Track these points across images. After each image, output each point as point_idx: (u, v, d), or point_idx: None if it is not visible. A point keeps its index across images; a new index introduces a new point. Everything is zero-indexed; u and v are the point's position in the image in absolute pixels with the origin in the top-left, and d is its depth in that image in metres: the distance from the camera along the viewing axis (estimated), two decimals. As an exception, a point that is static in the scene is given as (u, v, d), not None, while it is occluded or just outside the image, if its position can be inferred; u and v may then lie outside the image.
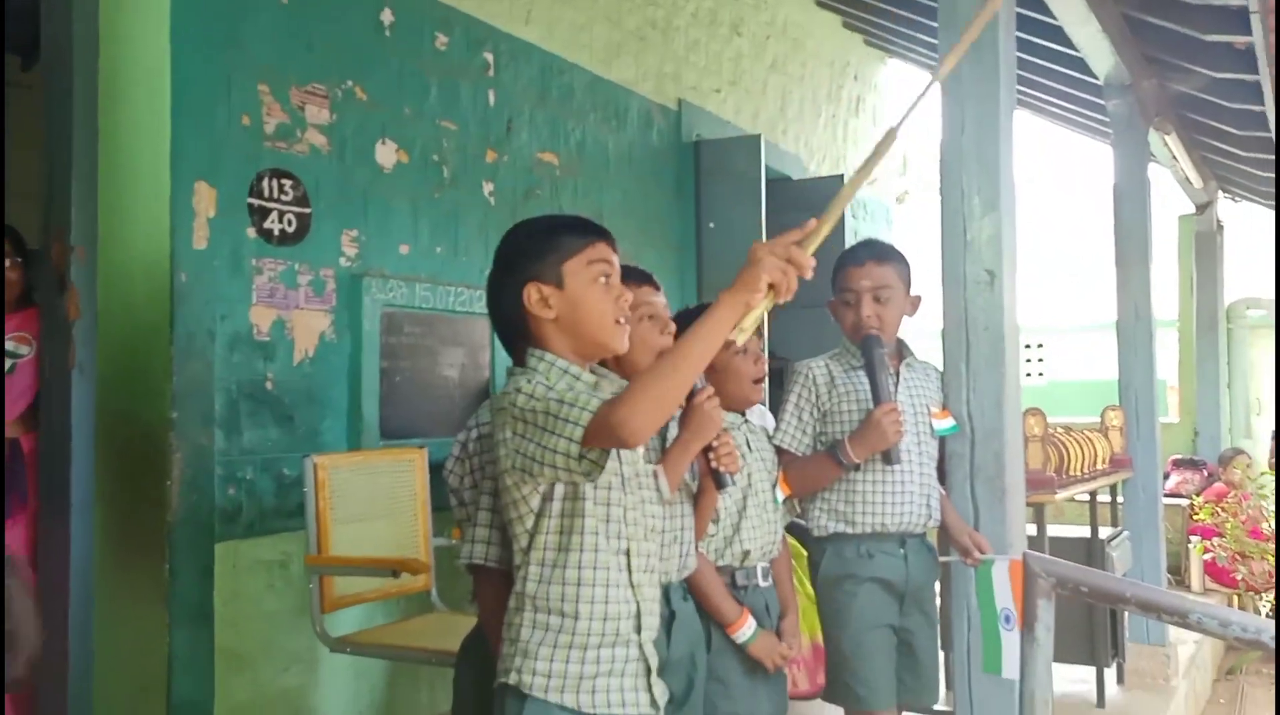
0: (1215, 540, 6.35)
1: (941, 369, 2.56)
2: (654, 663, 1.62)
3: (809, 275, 1.40)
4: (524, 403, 1.48)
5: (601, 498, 1.56)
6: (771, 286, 1.38)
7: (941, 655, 2.61)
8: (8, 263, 3.06)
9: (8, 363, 3.01)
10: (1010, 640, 2.22)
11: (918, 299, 2.46)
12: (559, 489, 1.54)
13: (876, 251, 2.42)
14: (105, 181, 3.07)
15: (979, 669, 2.38)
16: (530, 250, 1.63)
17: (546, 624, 1.53)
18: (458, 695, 1.83)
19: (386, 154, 3.68)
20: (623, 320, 1.64)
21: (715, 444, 1.97)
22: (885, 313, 2.38)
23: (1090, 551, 3.88)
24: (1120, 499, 4.69)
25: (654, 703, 1.59)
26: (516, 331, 1.66)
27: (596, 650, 1.53)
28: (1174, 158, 5.93)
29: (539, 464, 1.46)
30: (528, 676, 1.51)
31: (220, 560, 3.08)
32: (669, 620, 1.97)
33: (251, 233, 3.21)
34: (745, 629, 2.12)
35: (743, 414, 2.29)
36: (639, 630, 1.59)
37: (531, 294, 1.60)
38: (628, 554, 1.58)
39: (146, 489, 2.98)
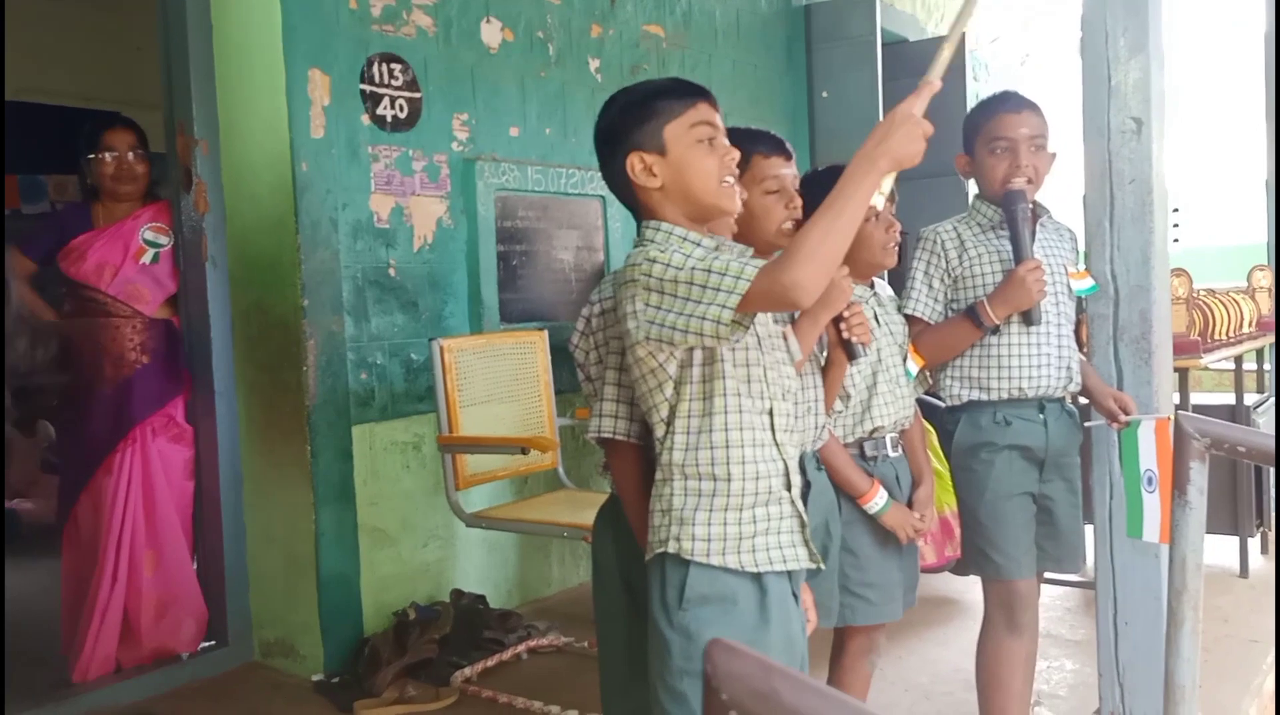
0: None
1: (1076, 228, 2.43)
2: (807, 518, 1.62)
3: (929, 130, 1.41)
4: (660, 272, 1.45)
5: (740, 359, 1.53)
6: None
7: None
8: (134, 154, 3.12)
9: (150, 253, 3.13)
10: (1151, 503, 2.15)
11: (1054, 155, 2.32)
12: (697, 355, 1.51)
13: (1029, 99, 2.28)
14: (222, 75, 3.12)
15: (1121, 537, 2.31)
16: (629, 120, 1.57)
17: (699, 490, 1.52)
18: (598, 566, 1.86)
19: (492, 33, 3.62)
20: (731, 179, 1.59)
21: (846, 314, 1.93)
22: (1040, 164, 2.25)
23: (1235, 418, 3.71)
24: (1268, 365, 4.46)
25: (812, 556, 1.60)
26: (630, 204, 1.63)
27: (751, 510, 1.53)
28: (1335, -7, 5.41)
29: (680, 332, 1.43)
30: (687, 543, 1.51)
31: (358, 442, 3.19)
32: (804, 490, 1.96)
33: (366, 120, 3.22)
34: (876, 500, 2.10)
35: (871, 286, 2.22)
36: (789, 487, 1.58)
37: (634, 164, 1.56)
38: (770, 413, 1.56)
39: (285, 375, 3.09)
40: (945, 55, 1.47)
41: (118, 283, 3.09)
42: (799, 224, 1.93)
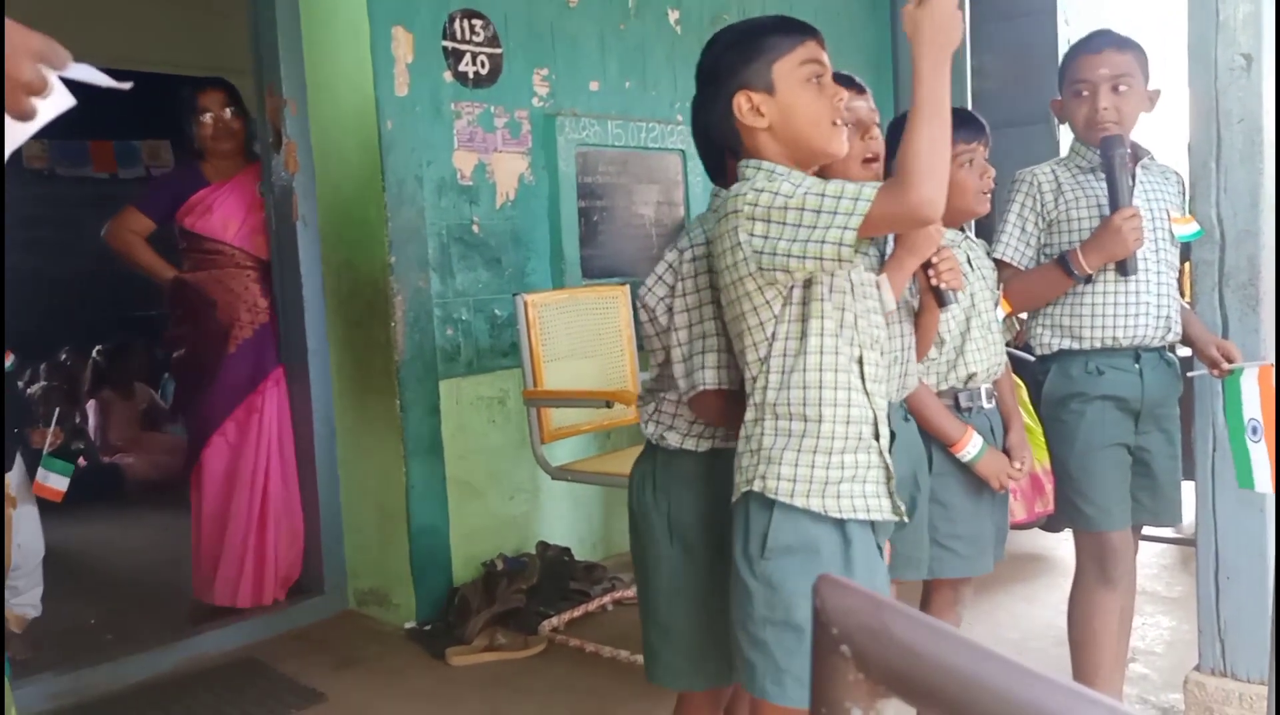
0: None
1: (1183, 171, 2.33)
2: (894, 470, 1.60)
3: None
4: (768, 201, 1.43)
5: (836, 302, 1.50)
6: None
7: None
8: (229, 112, 3.23)
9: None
10: (1258, 452, 2.08)
11: (1156, 93, 2.22)
12: (795, 293, 1.49)
13: (1114, 38, 2.18)
14: (308, 35, 3.16)
15: (1225, 491, 2.24)
16: (736, 57, 1.53)
17: (789, 430, 1.50)
18: (634, 511, 1.83)
19: (571, -14, 3.60)
20: (839, 122, 1.55)
21: (935, 260, 1.87)
22: (1124, 105, 2.15)
23: (1344, 370, 3.56)
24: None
25: (895, 508, 1.58)
26: (727, 148, 1.59)
27: (840, 456, 1.51)
28: None
29: (798, 258, 1.41)
30: (772, 482, 1.50)
31: (444, 397, 3.25)
32: (890, 441, 1.94)
33: (448, 77, 3.23)
34: (971, 446, 2.05)
35: (963, 229, 2.17)
36: (878, 437, 1.56)
37: (742, 103, 1.52)
38: (860, 362, 1.53)
39: (374, 332, 3.15)
40: None
41: (242, 234, 3.23)
42: (876, 158, 1.89)
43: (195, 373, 3.30)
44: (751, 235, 1.44)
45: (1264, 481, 2.07)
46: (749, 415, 1.55)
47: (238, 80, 3.48)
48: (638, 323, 3.43)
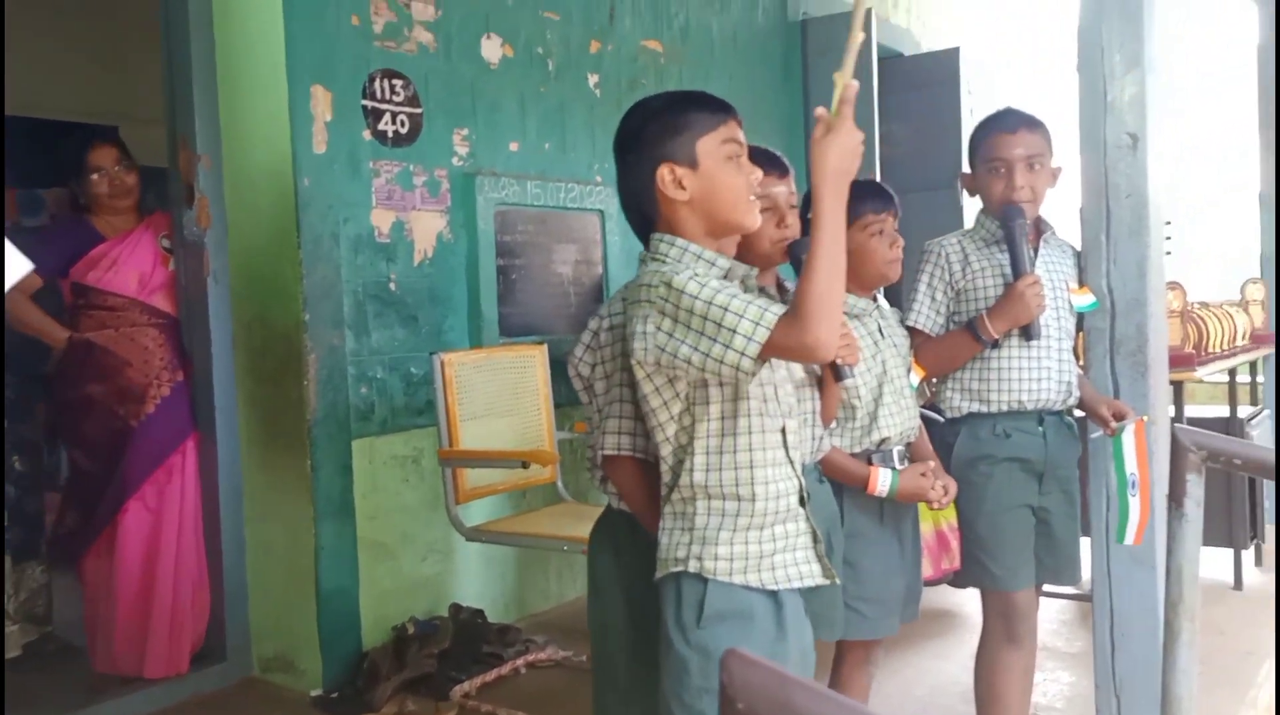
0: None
1: (1078, 243, 2.45)
2: (820, 533, 1.63)
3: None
4: (676, 299, 1.45)
5: (760, 378, 1.54)
6: None
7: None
8: (121, 167, 3.17)
9: (171, 260, 3.22)
10: (1135, 506, 2.17)
11: (1058, 170, 2.34)
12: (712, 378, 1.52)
13: (1027, 118, 2.29)
14: (225, 90, 3.14)
15: (1118, 549, 2.33)
16: (661, 129, 1.57)
17: (723, 509, 1.53)
18: (596, 579, 1.86)
19: (492, 49, 3.65)
20: (754, 198, 1.60)
21: None
22: (1037, 182, 2.27)
23: (1230, 431, 3.74)
24: (1260, 377, 4.49)
25: (826, 571, 1.61)
26: (647, 217, 1.62)
27: (772, 528, 1.54)
28: (1325, 9, 5.47)
29: (696, 368, 1.45)
30: (710, 562, 1.52)
31: (357, 456, 3.20)
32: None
33: (367, 135, 3.24)
34: (884, 479, 2.08)
35: (874, 298, 2.24)
36: (803, 503, 1.60)
37: (665, 175, 1.55)
38: (783, 431, 1.57)
39: (286, 390, 3.10)
40: (850, 54, 1.51)
41: (150, 289, 3.15)
42: (792, 241, 1.94)
43: (105, 435, 3.18)
44: (658, 329, 1.47)
45: (1133, 535, 2.16)
46: (679, 494, 1.57)
47: (148, 130, 3.44)
48: (555, 381, 3.48)
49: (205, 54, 3.09)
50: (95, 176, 3.17)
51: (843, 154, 1.43)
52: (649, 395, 1.55)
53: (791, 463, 1.58)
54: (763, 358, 1.41)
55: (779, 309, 1.42)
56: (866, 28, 5.17)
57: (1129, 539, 2.19)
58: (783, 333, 1.39)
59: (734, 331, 1.40)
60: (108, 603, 3.12)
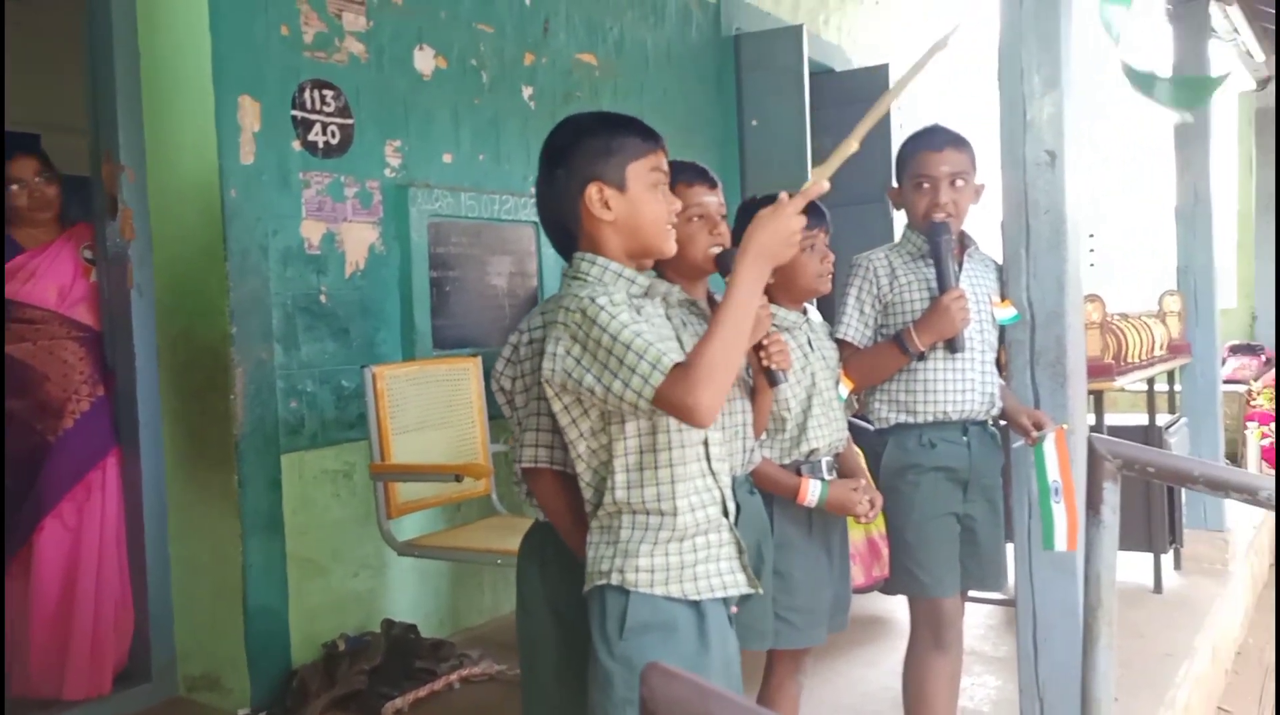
0: (1273, 425, 6.28)
1: (1001, 258, 2.52)
2: (744, 543, 1.66)
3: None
4: (588, 328, 1.47)
5: None
6: None
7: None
8: (41, 178, 3.10)
9: (93, 272, 3.13)
10: (1059, 513, 2.23)
11: (982, 187, 2.41)
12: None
13: (952, 136, 2.36)
14: (149, 100, 3.08)
15: (1040, 555, 2.39)
16: (594, 148, 1.59)
17: (646, 524, 1.55)
18: (523, 593, 1.87)
19: (425, 60, 3.63)
20: (671, 225, 1.64)
21: (765, 342, 1.96)
22: (960, 199, 2.33)
23: (1148, 439, 3.85)
24: (1178, 386, 4.64)
25: (750, 580, 1.63)
26: (568, 232, 1.64)
27: (694, 539, 1.57)
28: (1234, 30, 5.68)
29: (600, 398, 1.48)
30: (631, 575, 1.54)
31: (287, 471, 3.15)
32: (735, 514, 1.99)
33: (296, 146, 3.20)
34: (813, 490, 2.11)
35: (804, 312, 2.27)
36: (726, 514, 1.62)
37: (593, 193, 1.58)
38: (706, 443, 1.60)
39: (212, 404, 3.04)
40: (837, 159, 1.55)
41: (70, 302, 3.07)
42: (725, 250, 1.97)
43: (21, 452, 3.09)
44: (568, 353, 1.50)
45: (1061, 542, 2.22)
46: (604, 510, 1.59)
47: (71, 138, 3.36)
48: (489, 394, 3.46)
49: (129, 64, 3.03)
50: (14, 188, 3.09)
51: (775, 235, 1.48)
52: (558, 413, 1.58)
53: (714, 475, 1.60)
54: (655, 403, 1.43)
55: (676, 357, 1.45)
56: (792, 54, 5.19)
57: (1059, 545, 2.25)
58: (672, 386, 1.41)
59: (633, 371, 1.43)
60: (23, 624, 3.03)
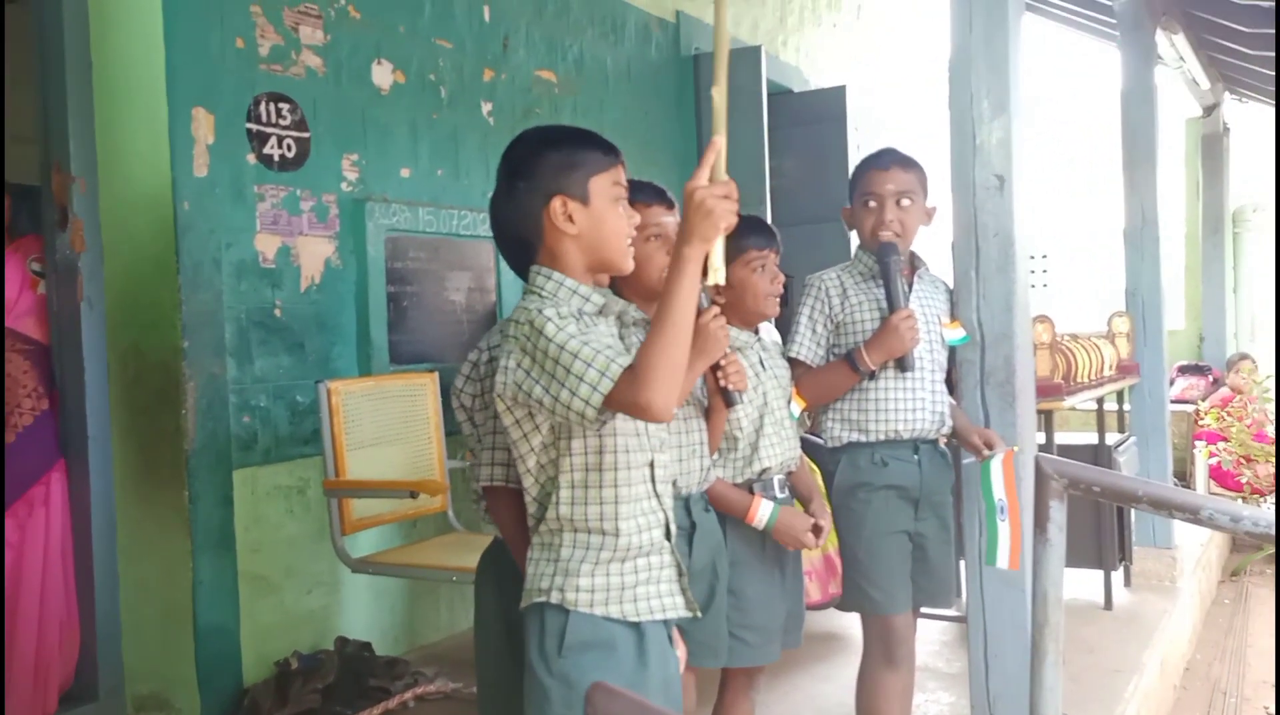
0: (1220, 445, 6.41)
1: (951, 280, 2.56)
2: (685, 566, 1.66)
3: (737, 194, 1.47)
4: (535, 339, 1.47)
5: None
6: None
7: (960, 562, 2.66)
8: None
9: (41, 284, 3.07)
10: (1003, 531, 2.26)
11: (933, 209, 2.44)
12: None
13: (900, 157, 2.40)
14: (101, 111, 3.04)
15: (990, 572, 2.42)
16: (555, 161, 1.59)
17: (588, 542, 1.55)
18: (479, 609, 1.87)
19: (383, 75, 3.63)
20: (630, 242, 1.65)
21: (722, 362, 1.97)
22: (907, 219, 2.36)
23: (1098, 457, 3.92)
24: (1127, 406, 4.72)
25: (689, 604, 1.63)
26: (527, 245, 1.63)
27: (634, 561, 1.56)
28: (1180, 58, 5.83)
29: (547, 409, 1.48)
30: (570, 594, 1.53)
31: (239, 487, 3.12)
32: (690, 531, 2.00)
33: (251, 159, 3.18)
34: (762, 512, 2.12)
35: (756, 332, 2.29)
36: (668, 537, 1.62)
37: (557, 207, 1.58)
38: (651, 466, 1.60)
39: (163, 420, 3.01)
40: (719, 109, 1.54)
41: (15, 314, 3.01)
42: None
43: None
44: (518, 366, 1.50)
45: (1004, 559, 2.25)
46: (546, 526, 1.58)
47: (22, 148, 3.30)
48: (447, 410, 3.45)
49: (81, 73, 2.99)
50: None
51: (693, 211, 1.43)
52: (510, 427, 1.57)
53: (658, 496, 1.61)
54: (606, 407, 1.43)
55: (626, 361, 1.44)
56: (751, 74, 5.25)
57: (1002, 563, 2.28)
58: (624, 388, 1.41)
59: (581, 379, 1.43)
60: None
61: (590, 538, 1.55)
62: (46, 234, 3.06)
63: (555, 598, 1.54)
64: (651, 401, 1.39)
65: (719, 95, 1.53)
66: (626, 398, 1.41)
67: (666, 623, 1.62)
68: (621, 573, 1.55)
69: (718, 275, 1.46)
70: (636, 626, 1.56)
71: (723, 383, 1.98)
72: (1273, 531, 1.57)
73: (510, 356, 1.51)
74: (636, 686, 1.50)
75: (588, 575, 1.53)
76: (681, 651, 1.74)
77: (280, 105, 3.26)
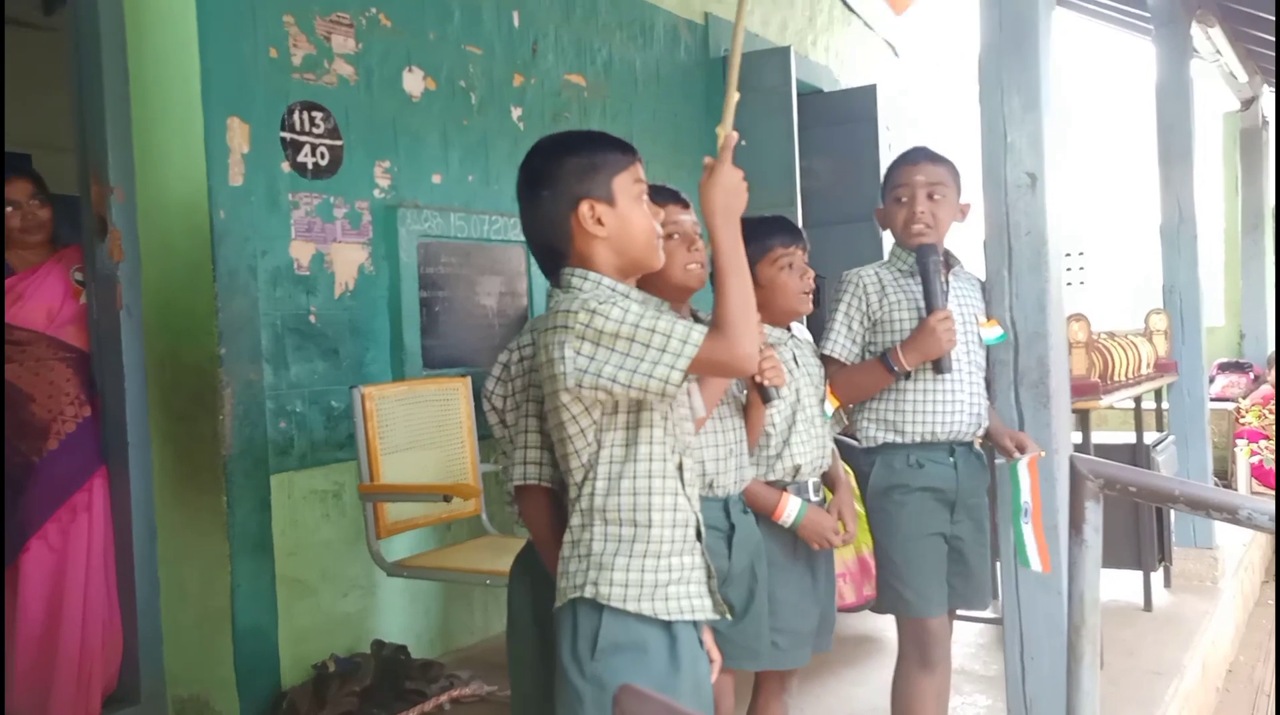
0: (1262, 443, 6.30)
1: (984, 277, 2.53)
2: (721, 568, 1.66)
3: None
4: (600, 324, 1.48)
5: (663, 410, 1.58)
6: None
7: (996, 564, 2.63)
8: (35, 201, 3.13)
9: (84, 294, 3.14)
10: (1028, 533, 2.24)
11: (967, 206, 2.42)
12: (623, 401, 1.55)
13: (930, 153, 2.38)
14: (138, 122, 3.09)
15: (1026, 574, 2.40)
16: (577, 166, 1.60)
17: (619, 535, 1.55)
18: (513, 612, 1.88)
19: (414, 82, 3.65)
20: (660, 239, 1.65)
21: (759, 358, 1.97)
22: (939, 212, 2.34)
23: (1135, 457, 3.87)
24: (1166, 404, 4.66)
25: (717, 606, 1.63)
26: (558, 252, 1.64)
27: (669, 558, 1.56)
28: (1217, 52, 5.74)
29: (622, 385, 1.48)
30: (605, 588, 1.53)
31: (276, 492, 3.15)
32: (729, 533, 2.00)
33: (285, 167, 3.21)
34: (790, 510, 2.12)
35: (788, 328, 2.29)
36: (699, 538, 1.62)
37: (585, 211, 1.59)
38: (680, 468, 1.60)
39: (200, 425, 3.05)
40: (730, 105, 1.63)
41: (58, 323, 3.07)
42: (702, 266, 1.98)
43: (6, 472, 3.08)
44: (578, 353, 1.49)
45: (1035, 562, 2.23)
46: (575, 520, 1.58)
47: (62, 158, 3.37)
48: (479, 414, 3.47)
49: (118, 85, 3.04)
50: (8, 210, 3.11)
51: (726, 191, 1.54)
52: (565, 422, 1.56)
53: (688, 497, 1.60)
54: (691, 371, 1.48)
55: (704, 327, 1.50)
56: (780, 75, 5.24)
57: (1035, 566, 2.26)
58: (710, 347, 1.47)
59: (663, 350, 1.47)
60: (9, 648, 3.01)
61: (622, 530, 1.55)
62: (86, 243, 3.12)
63: (589, 592, 1.53)
64: (745, 352, 1.49)
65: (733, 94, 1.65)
66: (718, 354, 1.48)
67: (696, 624, 1.61)
68: (656, 570, 1.55)
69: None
70: (668, 627, 1.56)
71: (759, 378, 1.98)
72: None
73: (564, 347, 1.50)
74: (668, 688, 1.50)
75: (622, 570, 1.54)
76: (716, 655, 1.74)
77: (313, 114, 3.30)
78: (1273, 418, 6.32)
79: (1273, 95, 7.74)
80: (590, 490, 1.56)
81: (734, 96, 1.63)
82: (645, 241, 1.62)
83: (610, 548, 1.54)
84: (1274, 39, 5.55)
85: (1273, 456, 6.22)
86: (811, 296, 2.26)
